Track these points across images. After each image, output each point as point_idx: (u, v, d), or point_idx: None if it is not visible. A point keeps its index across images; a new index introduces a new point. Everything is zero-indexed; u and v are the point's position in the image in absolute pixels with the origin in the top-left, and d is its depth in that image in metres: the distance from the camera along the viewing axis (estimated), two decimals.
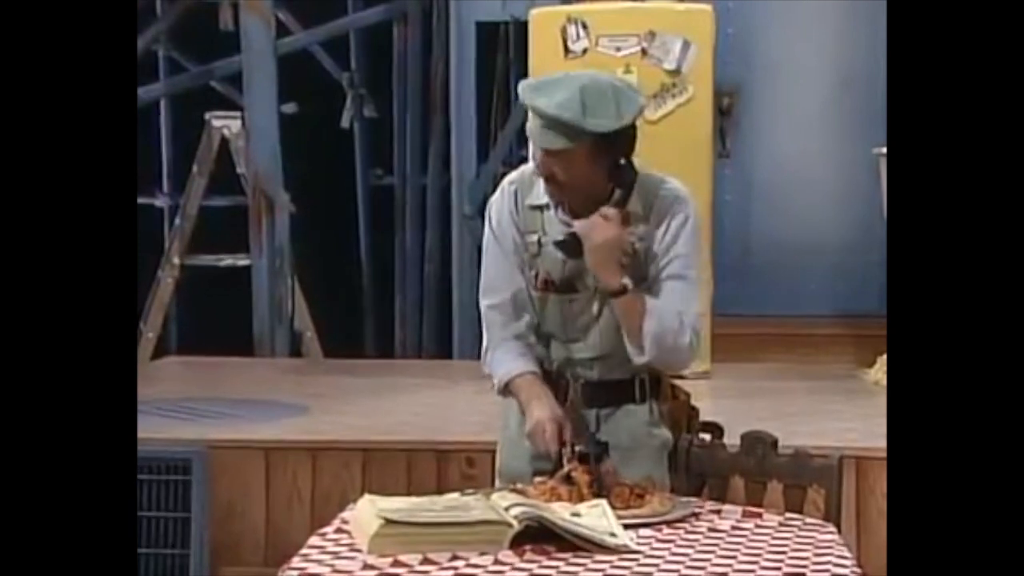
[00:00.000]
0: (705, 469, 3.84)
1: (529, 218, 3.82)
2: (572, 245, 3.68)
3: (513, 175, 3.92)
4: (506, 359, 3.82)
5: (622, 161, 3.68)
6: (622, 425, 3.82)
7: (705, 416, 4.02)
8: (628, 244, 3.68)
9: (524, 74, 7.57)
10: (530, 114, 3.66)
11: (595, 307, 3.76)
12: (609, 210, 3.66)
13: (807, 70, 8.42)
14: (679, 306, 3.70)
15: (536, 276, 3.81)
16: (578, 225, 3.67)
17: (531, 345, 3.84)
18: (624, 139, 3.66)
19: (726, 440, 3.89)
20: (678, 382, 4.00)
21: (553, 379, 3.83)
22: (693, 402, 4.01)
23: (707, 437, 3.92)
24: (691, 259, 3.75)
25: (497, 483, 3.87)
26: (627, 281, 3.67)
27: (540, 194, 3.80)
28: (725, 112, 8.21)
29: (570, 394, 3.82)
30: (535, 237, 3.80)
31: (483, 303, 3.90)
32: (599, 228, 3.65)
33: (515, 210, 3.83)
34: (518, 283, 3.83)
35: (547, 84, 3.66)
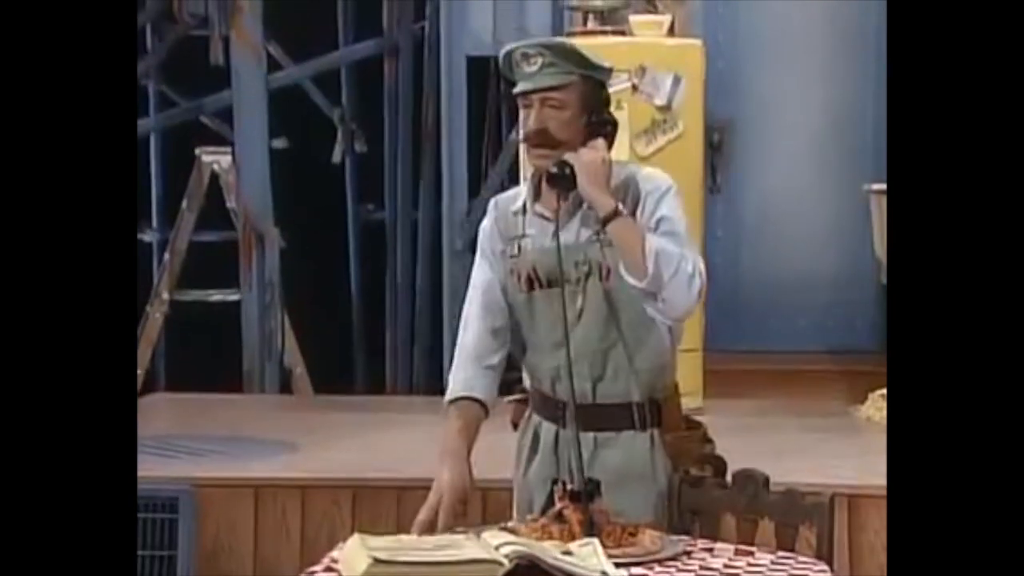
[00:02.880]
0: (696, 506, 3.82)
1: (512, 223, 3.86)
2: (563, 175, 3.70)
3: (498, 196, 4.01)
4: (461, 374, 3.85)
5: (604, 115, 3.76)
6: (619, 453, 3.77)
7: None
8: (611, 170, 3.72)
9: (515, 109, 7.56)
10: (521, 70, 3.73)
11: (579, 300, 3.74)
12: (596, 141, 3.73)
13: (798, 105, 8.42)
14: (677, 248, 3.66)
15: (519, 279, 3.81)
16: (567, 155, 3.70)
17: (495, 368, 3.84)
18: (604, 91, 3.77)
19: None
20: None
21: (550, 403, 3.82)
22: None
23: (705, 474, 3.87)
24: (678, 221, 3.71)
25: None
26: (620, 205, 3.67)
27: (519, 197, 3.87)
28: (716, 147, 8.21)
29: (566, 416, 3.79)
30: (516, 241, 3.84)
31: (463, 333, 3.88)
32: (587, 152, 3.70)
33: (499, 218, 3.90)
34: (502, 315, 3.84)
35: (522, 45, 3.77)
